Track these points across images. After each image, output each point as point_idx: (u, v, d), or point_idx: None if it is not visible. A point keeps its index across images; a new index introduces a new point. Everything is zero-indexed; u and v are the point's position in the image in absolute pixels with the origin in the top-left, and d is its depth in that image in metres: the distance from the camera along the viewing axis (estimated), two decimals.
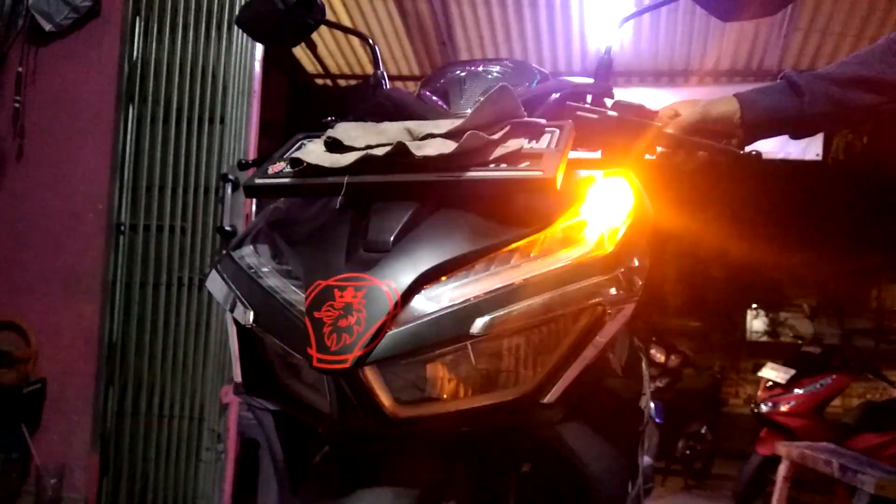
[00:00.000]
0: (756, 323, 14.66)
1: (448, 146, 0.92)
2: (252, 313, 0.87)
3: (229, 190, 2.82)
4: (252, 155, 2.90)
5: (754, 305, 14.04)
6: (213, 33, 2.95)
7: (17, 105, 3.03)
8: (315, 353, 0.77)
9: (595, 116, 1.16)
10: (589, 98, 1.25)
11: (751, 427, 5.38)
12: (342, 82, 5.87)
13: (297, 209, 1.05)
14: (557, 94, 1.21)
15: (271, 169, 0.99)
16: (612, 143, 1.20)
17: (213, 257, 2.79)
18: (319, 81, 5.86)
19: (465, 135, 0.91)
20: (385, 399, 0.80)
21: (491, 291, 0.82)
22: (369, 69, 5.66)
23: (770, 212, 8.81)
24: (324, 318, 0.78)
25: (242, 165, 1.36)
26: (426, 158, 0.91)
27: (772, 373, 5.08)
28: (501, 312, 0.80)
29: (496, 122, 0.98)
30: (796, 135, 1.38)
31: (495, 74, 1.27)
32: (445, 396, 0.84)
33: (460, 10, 4.81)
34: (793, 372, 4.96)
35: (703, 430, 5.70)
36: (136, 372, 2.80)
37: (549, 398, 0.84)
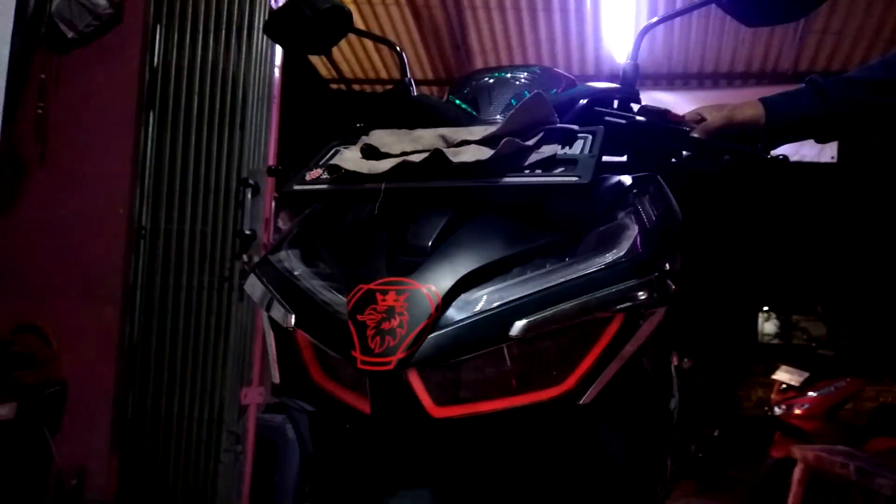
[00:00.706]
0: (767, 326, 14.62)
1: (484, 153, 0.94)
2: (293, 316, 0.89)
3: (249, 194, 2.86)
4: (272, 160, 2.94)
5: (766, 308, 14.01)
6: (234, 40, 2.99)
7: (39, 111, 3.07)
8: (359, 356, 0.79)
9: (624, 122, 1.18)
10: (615, 103, 1.26)
11: (763, 430, 5.37)
12: (356, 87, 5.91)
13: (332, 215, 1.07)
14: (585, 100, 1.23)
15: (309, 175, 1.01)
16: (640, 148, 1.21)
17: (235, 261, 2.82)
18: (334, 86, 5.90)
19: (503, 141, 0.93)
20: (426, 400, 0.82)
21: (529, 295, 0.84)
22: (383, 73, 5.71)
23: (781, 214, 8.79)
24: (367, 321, 0.80)
25: (272, 171, 1.39)
26: (463, 165, 0.93)
27: (785, 375, 5.07)
28: (540, 315, 0.82)
29: (530, 129, 0.99)
30: (821, 138, 1.39)
31: (523, 81, 1.29)
32: (483, 398, 0.85)
33: (474, 15, 4.84)
34: (807, 375, 4.94)
35: (715, 434, 5.69)
36: (156, 374, 2.83)
37: (585, 400, 0.85)
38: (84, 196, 3.00)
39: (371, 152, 0.99)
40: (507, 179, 0.93)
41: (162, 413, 2.79)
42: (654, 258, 0.92)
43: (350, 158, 0.99)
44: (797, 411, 4.78)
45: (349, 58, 5.58)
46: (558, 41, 5.00)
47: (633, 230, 0.94)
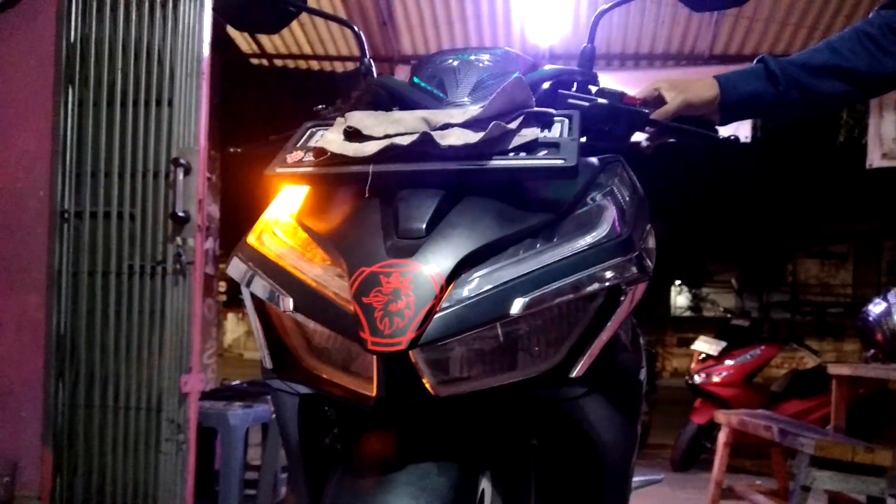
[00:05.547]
0: (680, 299, 15.29)
1: (470, 136, 0.95)
2: (291, 300, 0.88)
3: (181, 175, 2.76)
4: (202, 138, 2.83)
5: (678, 282, 14.62)
6: (158, 12, 2.86)
7: None
8: (369, 337, 0.79)
9: (587, 104, 1.21)
10: (575, 85, 1.29)
11: (679, 398, 5.61)
12: (278, 62, 5.77)
13: (311, 197, 1.05)
14: (549, 83, 1.25)
15: (290, 158, 0.99)
16: (600, 129, 1.25)
17: (168, 244, 2.73)
18: (255, 61, 5.74)
19: (491, 125, 0.94)
20: (430, 379, 0.83)
21: (525, 274, 0.86)
22: (306, 49, 5.57)
23: (693, 188, 9.15)
24: (373, 303, 0.80)
25: (231, 153, 1.34)
26: (451, 147, 0.93)
27: (704, 345, 5.32)
28: (537, 293, 0.84)
29: (510, 112, 1.01)
30: (771, 120, 1.47)
31: (487, 63, 1.29)
32: (481, 375, 0.88)
33: None
34: (724, 344, 5.21)
35: None
36: (87, 364, 2.71)
37: (577, 372, 0.89)
38: (0, 178, 2.84)
39: (354, 134, 0.98)
40: (495, 162, 0.94)
41: (96, 404, 2.68)
42: (634, 237, 0.96)
43: (334, 140, 0.97)
44: (716, 379, 5.03)
45: None
46: (484, 17, 5.01)
47: (612, 211, 0.97)
